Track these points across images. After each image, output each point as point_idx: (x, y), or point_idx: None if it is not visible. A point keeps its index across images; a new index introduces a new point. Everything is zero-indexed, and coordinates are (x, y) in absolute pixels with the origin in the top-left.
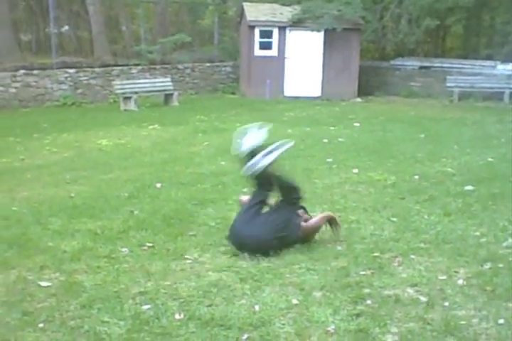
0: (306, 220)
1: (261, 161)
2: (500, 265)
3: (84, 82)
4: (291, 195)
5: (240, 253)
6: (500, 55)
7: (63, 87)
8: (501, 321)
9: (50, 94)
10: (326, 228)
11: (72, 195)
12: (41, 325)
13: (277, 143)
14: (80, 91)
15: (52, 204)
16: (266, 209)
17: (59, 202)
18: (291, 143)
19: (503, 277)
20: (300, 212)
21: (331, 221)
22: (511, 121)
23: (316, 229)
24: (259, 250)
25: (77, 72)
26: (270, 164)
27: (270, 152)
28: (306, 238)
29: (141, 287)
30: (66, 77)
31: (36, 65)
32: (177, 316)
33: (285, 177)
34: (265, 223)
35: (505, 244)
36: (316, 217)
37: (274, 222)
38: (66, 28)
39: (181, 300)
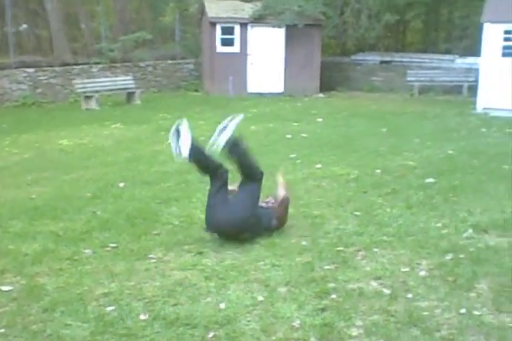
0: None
1: (219, 139)
2: (461, 255)
3: (44, 81)
4: (252, 172)
5: (209, 249)
6: (458, 49)
7: (22, 86)
8: (463, 311)
9: (8, 94)
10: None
11: (33, 196)
12: (2, 330)
13: (228, 119)
14: (39, 90)
15: (13, 207)
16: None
17: (20, 204)
18: (242, 116)
19: (464, 267)
20: (267, 201)
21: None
22: (470, 114)
23: (285, 207)
24: (240, 230)
25: (36, 72)
26: (228, 140)
27: (225, 128)
28: (282, 220)
29: (105, 288)
30: (25, 77)
31: None
32: (142, 316)
33: (246, 154)
34: (236, 204)
35: (465, 235)
36: (278, 194)
37: (244, 201)
38: (24, 26)
39: (146, 300)
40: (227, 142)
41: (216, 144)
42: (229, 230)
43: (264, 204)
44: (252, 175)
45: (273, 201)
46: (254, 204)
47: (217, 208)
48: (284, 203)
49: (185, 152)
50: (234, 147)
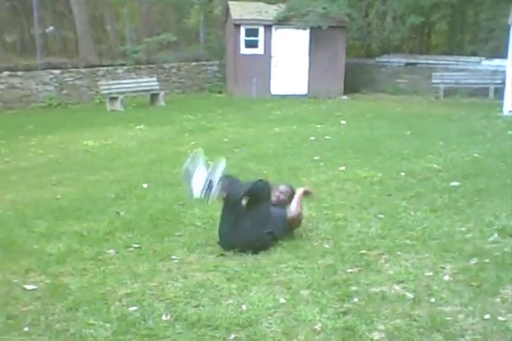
0: (289, 196)
1: (213, 189)
2: (486, 260)
3: (70, 82)
4: (258, 196)
5: (231, 251)
6: (484, 51)
7: (48, 88)
8: (487, 316)
9: (35, 95)
10: (310, 225)
11: (58, 196)
12: (26, 329)
13: (211, 167)
14: (65, 92)
15: (38, 207)
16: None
17: (45, 204)
18: (223, 162)
19: (489, 272)
20: (282, 188)
21: (306, 193)
22: (496, 116)
23: (298, 215)
24: (252, 248)
25: (62, 73)
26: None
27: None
28: (293, 226)
29: (128, 288)
30: (51, 78)
31: (21, 66)
32: (164, 317)
33: (244, 187)
34: (249, 223)
35: (490, 239)
36: (293, 201)
37: (257, 221)
38: (51, 28)
39: (168, 301)
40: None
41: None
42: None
43: (275, 199)
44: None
45: (284, 191)
46: (265, 223)
47: (231, 226)
48: (297, 212)
49: (197, 192)
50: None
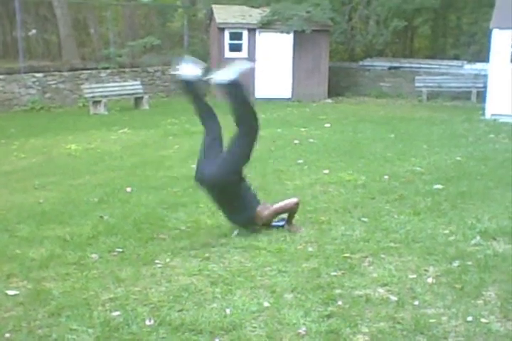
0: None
1: (218, 75)
2: (469, 262)
3: (53, 86)
4: (246, 121)
5: (215, 255)
6: (466, 55)
7: (31, 91)
8: (470, 318)
9: (17, 98)
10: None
11: (41, 201)
12: (8, 335)
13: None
14: (48, 95)
15: (21, 211)
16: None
17: (27, 208)
18: (252, 64)
19: (472, 274)
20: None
21: (290, 216)
22: (478, 120)
23: (265, 217)
24: (217, 182)
25: (45, 76)
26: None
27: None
28: (261, 218)
29: (111, 293)
30: (34, 82)
31: (3, 70)
32: (147, 322)
33: (243, 100)
34: (222, 157)
35: (473, 242)
36: (276, 205)
37: (228, 157)
38: (33, 31)
39: (152, 305)
40: (227, 81)
41: (213, 78)
42: (208, 181)
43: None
44: (241, 126)
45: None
46: (238, 161)
47: (205, 161)
48: (271, 212)
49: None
50: (232, 88)
